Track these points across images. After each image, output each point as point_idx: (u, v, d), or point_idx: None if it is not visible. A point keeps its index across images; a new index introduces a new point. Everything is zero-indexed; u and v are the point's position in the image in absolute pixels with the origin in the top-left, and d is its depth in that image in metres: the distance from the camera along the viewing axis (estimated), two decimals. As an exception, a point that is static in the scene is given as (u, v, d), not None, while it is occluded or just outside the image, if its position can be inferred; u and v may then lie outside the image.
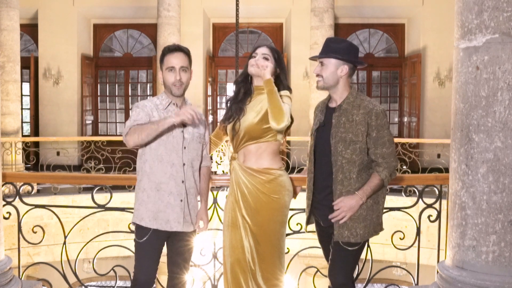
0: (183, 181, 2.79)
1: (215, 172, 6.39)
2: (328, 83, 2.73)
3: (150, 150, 2.77)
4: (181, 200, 2.80)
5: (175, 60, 2.79)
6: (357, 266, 2.91)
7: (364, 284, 3.50)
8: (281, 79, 2.92)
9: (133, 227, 2.88)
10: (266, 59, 2.87)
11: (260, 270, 2.86)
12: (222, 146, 6.61)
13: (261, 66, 2.79)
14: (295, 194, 3.01)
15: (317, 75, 2.76)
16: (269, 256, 2.87)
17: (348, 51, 2.72)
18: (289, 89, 2.94)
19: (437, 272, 2.45)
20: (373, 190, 2.68)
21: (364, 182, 2.69)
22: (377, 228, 2.78)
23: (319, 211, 2.81)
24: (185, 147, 2.80)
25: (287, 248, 3.28)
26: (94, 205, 3.37)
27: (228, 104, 2.98)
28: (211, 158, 3.08)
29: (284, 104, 2.80)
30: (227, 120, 2.94)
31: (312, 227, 3.00)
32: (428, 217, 3.35)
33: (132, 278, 2.85)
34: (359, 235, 2.70)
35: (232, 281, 2.88)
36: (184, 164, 2.79)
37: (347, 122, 2.67)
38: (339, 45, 2.72)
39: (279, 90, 2.89)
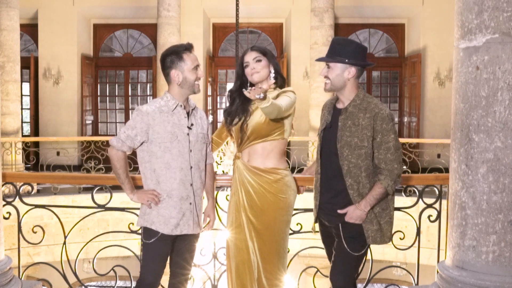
0: (191, 184, 2.78)
1: (215, 172, 6.38)
2: (335, 85, 2.70)
3: (156, 159, 2.73)
4: (190, 203, 2.79)
5: (196, 58, 2.79)
6: (359, 269, 2.90)
7: (364, 284, 3.49)
8: (277, 71, 2.94)
9: (133, 227, 2.87)
10: (259, 61, 2.88)
11: (263, 270, 2.87)
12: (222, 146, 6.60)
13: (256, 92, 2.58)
14: (298, 194, 3.03)
15: (324, 77, 2.73)
16: (272, 255, 2.87)
17: (355, 54, 2.66)
18: (284, 80, 2.98)
19: (437, 272, 2.45)
20: (376, 199, 2.65)
21: None
22: (385, 236, 2.74)
23: (324, 211, 2.81)
24: (191, 150, 2.77)
25: (288, 248, 3.28)
26: (94, 205, 3.36)
27: (225, 113, 2.98)
28: None
29: (284, 97, 2.79)
30: (232, 121, 2.93)
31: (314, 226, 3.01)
32: (428, 217, 3.35)
33: (138, 278, 2.81)
34: (364, 241, 2.71)
35: (236, 282, 2.89)
36: (191, 167, 2.77)
37: (353, 126, 2.64)
38: (346, 48, 2.67)
39: (279, 85, 2.93)
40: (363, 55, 2.71)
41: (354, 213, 2.65)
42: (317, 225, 2.97)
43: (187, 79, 2.75)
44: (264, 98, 2.52)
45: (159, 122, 2.71)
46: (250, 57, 2.90)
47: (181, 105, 2.78)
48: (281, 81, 2.96)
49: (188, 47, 2.77)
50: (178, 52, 2.76)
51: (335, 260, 2.76)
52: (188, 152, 2.76)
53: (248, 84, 2.94)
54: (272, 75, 2.92)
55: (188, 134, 2.77)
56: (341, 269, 2.74)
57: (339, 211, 2.69)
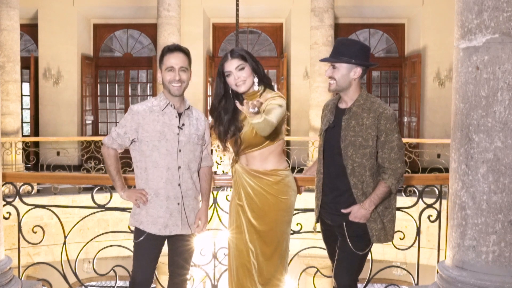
0: (179, 184, 2.78)
1: (215, 172, 6.39)
2: (341, 85, 2.70)
3: (146, 158, 2.76)
4: (178, 204, 2.78)
5: (175, 60, 2.76)
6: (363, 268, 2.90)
7: (364, 284, 3.49)
8: (261, 74, 2.84)
9: (132, 228, 2.88)
10: (243, 69, 2.78)
11: (264, 271, 2.86)
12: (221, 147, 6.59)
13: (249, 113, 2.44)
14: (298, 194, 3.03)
15: (330, 77, 2.73)
16: (274, 256, 2.87)
17: (360, 54, 2.67)
18: (268, 79, 2.85)
19: (437, 272, 2.45)
20: (380, 198, 2.67)
21: None
22: (389, 235, 2.76)
23: (328, 211, 2.81)
24: (180, 150, 2.77)
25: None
26: (94, 205, 3.36)
27: (214, 129, 2.89)
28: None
29: (275, 108, 2.66)
30: (225, 136, 2.86)
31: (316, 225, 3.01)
32: (428, 217, 3.35)
33: (130, 277, 2.85)
34: (369, 239, 2.72)
35: (236, 283, 2.89)
36: (179, 167, 2.77)
37: (356, 126, 2.65)
38: (351, 48, 2.67)
39: (263, 86, 2.83)
40: (367, 55, 2.72)
41: (358, 212, 2.66)
42: (318, 224, 2.97)
43: (163, 80, 2.80)
44: (258, 112, 2.42)
45: (148, 121, 2.75)
46: (232, 66, 2.77)
47: (171, 105, 2.80)
48: (267, 83, 2.85)
49: (171, 48, 2.80)
50: (162, 52, 2.82)
51: (339, 259, 2.77)
52: (177, 151, 2.76)
53: (230, 92, 2.84)
54: (256, 81, 2.82)
55: (178, 134, 2.77)
56: (346, 268, 2.75)
57: (343, 211, 2.70)
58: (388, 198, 2.73)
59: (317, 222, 2.94)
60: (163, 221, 2.76)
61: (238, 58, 2.79)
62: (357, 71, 2.68)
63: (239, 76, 2.78)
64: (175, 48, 2.79)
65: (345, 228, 2.72)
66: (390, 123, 2.62)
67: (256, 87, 2.83)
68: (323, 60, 2.83)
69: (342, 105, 2.77)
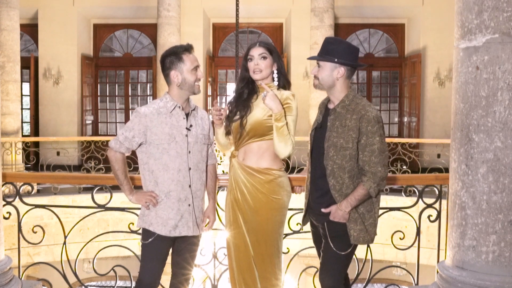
0: (189, 186, 2.78)
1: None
2: (324, 84, 2.70)
3: (155, 160, 2.74)
4: (189, 205, 2.79)
5: (195, 59, 2.77)
6: (348, 267, 2.88)
7: (364, 284, 3.49)
8: (281, 72, 2.91)
9: (133, 227, 2.88)
10: (264, 58, 2.86)
11: (260, 270, 2.86)
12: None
13: (268, 103, 2.75)
14: (295, 194, 3.03)
15: (314, 76, 2.74)
16: (268, 255, 2.86)
17: (346, 54, 2.66)
18: (288, 83, 2.95)
19: (437, 272, 2.45)
20: (358, 200, 2.63)
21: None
22: (370, 237, 2.71)
23: (313, 211, 2.81)
24: (189, 151, 2.77)
25: (287, 248, 3.27)
26: (94, 205, 3.36)
27: (230, 106, 2.95)
28: None
29: (289, 118, 2.82)
30: (233, 117, 2.91)
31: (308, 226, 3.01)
32: (428, 217, 3.35)
33: (137, 278, 2.82)
34: (348, 240, 2.69)
35: (238, 279, 2.89)
36: (190, 169, 2.77)
37: (340, 127, 2.63)
38: (336, 47, 2.67)
39: (280, 85, 2.90)
40: (354, 55, 2.70)
41: (336, 213, 2.65)
42: (307, 224, 2.97)
43: (186, 80, 2.75)
44: (278, 114, 2.73)
45: (157, 124, 2.72)
46: (256, 52, 2.86)
47: (179, 106, 2.78)
48: (284, 82, 2.93)
49: (188, 48, 2.77)
50: (177, 53, 2.76)
51: (323, 260, 2.76)
52: (187, 153, 2.76)
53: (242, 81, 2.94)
54: (275, 76, 2.91)
55: (186, 135, 2.76)
56: (329, 269, 2.73)
57: (323, 210, 2.69)
58: (370, 201, 2.69)
59: (304, 220, 2.93)
60: (173, 222, 2.75)
61: (264, 48, 2.88)
62: (341, 71, 2.66)
63: (259, 63, 2.86)
64: (191, 48, 2.79)
65: (326, 228, 2.71)
66: (372, 126, 2.58)
67: (275, 83, 2.91)
68: (309, 58, 2.89)
69: (330, 105, 2.77)
